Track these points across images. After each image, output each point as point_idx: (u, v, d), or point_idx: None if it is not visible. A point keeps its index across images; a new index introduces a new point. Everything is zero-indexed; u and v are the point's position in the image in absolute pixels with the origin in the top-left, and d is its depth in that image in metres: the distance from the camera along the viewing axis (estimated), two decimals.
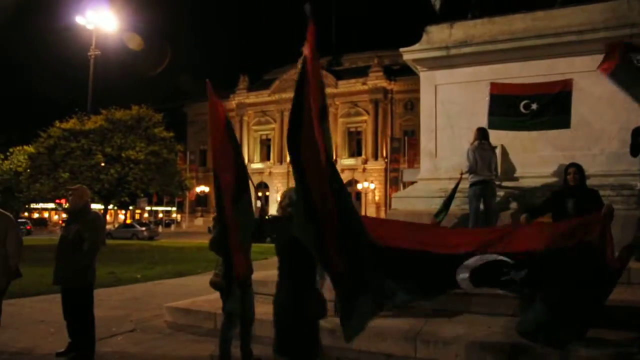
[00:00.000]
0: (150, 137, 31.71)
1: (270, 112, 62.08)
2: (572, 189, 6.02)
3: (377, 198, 56.85)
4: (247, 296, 5.78)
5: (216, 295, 6.03)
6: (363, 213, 43.66)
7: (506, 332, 5.61)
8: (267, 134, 63.07)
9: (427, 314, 6.37)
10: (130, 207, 49.52)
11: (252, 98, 63.61)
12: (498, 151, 8.88)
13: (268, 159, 62.50)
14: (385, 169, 56.18)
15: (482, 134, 8.58)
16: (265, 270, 7.97)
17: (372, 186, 56.11)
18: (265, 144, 63.55)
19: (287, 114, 54.63)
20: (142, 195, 38.23)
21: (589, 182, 6.47)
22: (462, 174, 8.47)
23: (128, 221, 53.58)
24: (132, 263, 17.59)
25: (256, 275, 6.39)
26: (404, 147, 53.65)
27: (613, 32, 8.66)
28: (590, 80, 8.75)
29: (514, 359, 5.23)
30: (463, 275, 4.28)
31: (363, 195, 56.81)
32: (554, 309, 4.23)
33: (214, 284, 5.88)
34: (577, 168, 6.05)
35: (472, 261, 4.29)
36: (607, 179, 8.25)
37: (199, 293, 8.90)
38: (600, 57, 8.75)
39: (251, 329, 5.83)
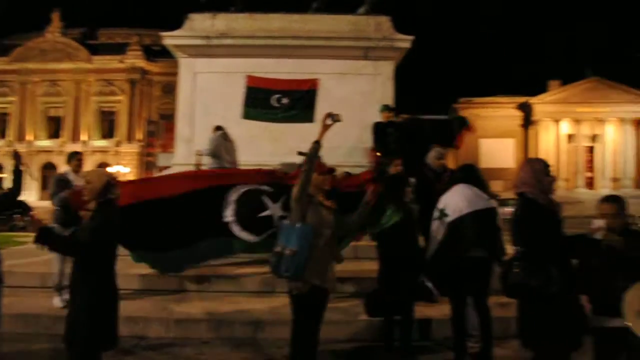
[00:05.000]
0: None
1: (10, 82, 54.40)
2: None
3: None
4: None
5: None
6: None
7: (253, 307, 6.18)
8: (4, 108, 55.10)
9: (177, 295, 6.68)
10: None
11: None
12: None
13: (3, 137, 54.47)
14: (140, 153, 54.26)
15: (219, 128, 8.73)
16: None
17: (126, 170, 53.77)
18: (1, 120, 55.32)
19: (30, 86, 48.13)
20: None
21: None
22: (200, 153, 8.60)
23: None
24: None
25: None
26: (160, 131, 52.41)
27: (354, 42, 10.03)
28: (333, 81, 9.92)
29: (256, 330, 5.75)
30: (229, 212, 5.31)
31: None
32: None
33: None
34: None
35: (233, 195, 5.34)
36: (343, 169, 9.40)
37: None
38: (343, 62, 9.98)
39: None
